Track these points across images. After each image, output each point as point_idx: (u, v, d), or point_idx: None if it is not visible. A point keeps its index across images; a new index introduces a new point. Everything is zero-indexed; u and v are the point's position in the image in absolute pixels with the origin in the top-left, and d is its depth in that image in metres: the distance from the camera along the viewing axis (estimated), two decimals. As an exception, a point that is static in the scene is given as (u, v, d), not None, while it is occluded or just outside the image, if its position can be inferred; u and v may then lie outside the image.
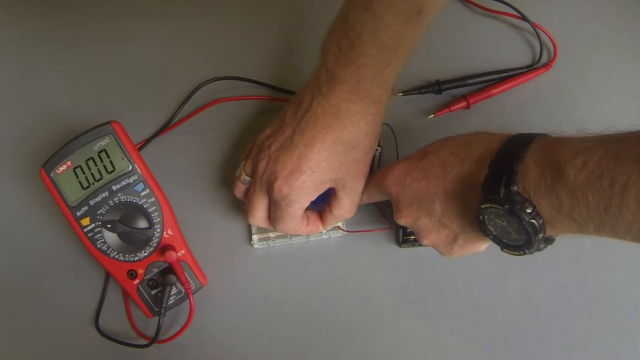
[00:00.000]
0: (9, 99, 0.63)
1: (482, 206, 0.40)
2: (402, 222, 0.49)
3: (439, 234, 0.48)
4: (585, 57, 0.64)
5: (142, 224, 0.53)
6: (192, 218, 0.59)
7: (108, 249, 0.53)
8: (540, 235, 0.40)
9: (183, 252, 0.55)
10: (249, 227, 0.59)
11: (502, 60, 0.64)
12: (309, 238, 0.58)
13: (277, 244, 0.59)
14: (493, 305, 0.57)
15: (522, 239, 0.41)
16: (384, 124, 0.59)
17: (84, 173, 0.51)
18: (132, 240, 0.53)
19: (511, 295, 0.57)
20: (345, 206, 0.53)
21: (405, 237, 0.56)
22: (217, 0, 0.67)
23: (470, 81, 0.62)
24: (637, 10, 0.65)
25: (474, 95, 0.62)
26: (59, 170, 0.51)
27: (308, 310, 0.57)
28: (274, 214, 0.52)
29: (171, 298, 0.55)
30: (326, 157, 0.48)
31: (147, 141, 0.61)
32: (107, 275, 0.58)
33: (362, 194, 0.54)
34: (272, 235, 0.58)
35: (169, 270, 0.54)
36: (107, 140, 0.52)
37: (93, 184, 0.51)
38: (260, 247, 0.58)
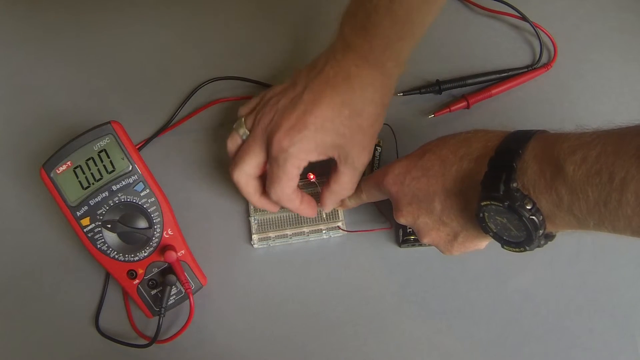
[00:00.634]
0: (9, 99, 0.64)
1: (482, 203, 0.40)
2: (402, 220, 0.49)
3: (439, 232, 0.48)
4: (585, 57, 0.64)
5: (142, 224, 0.53)
6: (192, 218, 0.59)
7: (108, 249, 0.53)
8: (541, 232, 0.39)
9: (183, 252, 0.55)
10: (249, 227, 0.59)
11: (502, 60, 0.64)
12: (308, 238, 0.58)
13: (277, 244, 0.59)
14: (493, 305, 0.57)
15: (523, 236, 0.41)
16: (384, 123, 0.59)
17: (84, 173, 0.51)
18: (132, 240, 0.53)
19: (511, 295, 0.57)
20: (345, 181, 0.52)
21: (405, 237, 0.56)
22: (217, 0, 0.67)
23: (470, 81, 0.62)
24: (637, 10, 0.65)
25: (474, 95, 0.62)
26: (59, 170, 0.51)
27: (308, 310, 0.57)
28: (270, 175, 0.51)
29: (171, 298, 0.55)
30: (331, 117, 0.48)
31: (147, 141, 0.61)
32: (107, 275, 0.58)
33: (362, 193, 0.54)
34: (272, 235, 0.58)
35: (169, 270, 0.55)
36: (107, 140, 0.52)
37: (93, 184, 0.52)
38: (260, 247, 0.58)
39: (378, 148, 0.59)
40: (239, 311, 0.57)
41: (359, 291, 0.58)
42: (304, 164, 0.50)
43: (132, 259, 0.53)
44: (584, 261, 0.58)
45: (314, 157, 0.50)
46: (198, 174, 0.61)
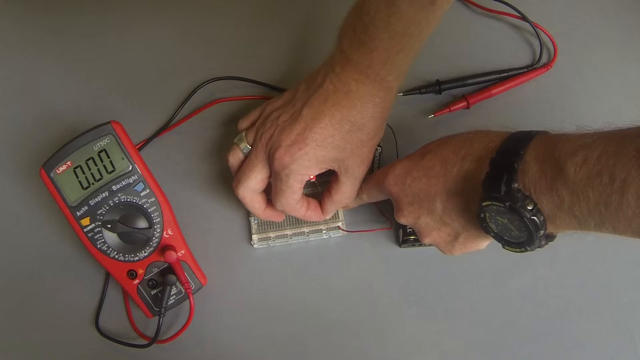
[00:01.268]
0: (9, 99, 0.64)
1: (483, 204, 0.40)
2: (403, 221, 0.49)
3: (440, 233, 0.48)
4: (585, 57, 0.64)
5: (142, 224, 0.53)
6: (192, 218, 0.59)
7: (108, 249, 0.53)
8: (542, 232, 0.40)
9: (183, 252, 0.55)
10: (249, 227, 0.59)
11: (502, 60, 0.64)
12: (308, 238, 0.58)
13: (277, 244, 0.59)
14: (493, 305, 0.57)
15: (524, 236, 0.41)
16: (384, 123, 0.59)
17: (84, 173, 0.51)
18: (132, 240, 0.53)
19: (511, 295, 0.57)
20: (345, 191, 0.53)
21: (405, 237, 0.56)
22: (217, 0, 0.67)
23: (470, 81, 0.62)
24: (637, 10, 0.65)
25: (474, 95, 0.62)
26: (59, 170, 0.51)
27: (308, 310, 0.57)
28: (274, 188, 0.52)
29: (171, 298, 0.55)
30: (332, 133, 0.48)
31: (147, 141, 0.61)
32: (107, 275, 0.58)
33: (363, 193, 0.54)
34: (272, 235, 0.58)
35: (169, 270, 0.55)
36: (107, 140, 0.52)
37: (93, 184, 0.52)
38: (260, 247, 0.58)
39: (378, 148, 0.59)
40: (239, 311, 0.57)
41: (359, 291, 0.58)
42: (306, 178, 0.51)
43: (132, 259, 0.53)
44: (583, 262, 0.58)
45: (316, 172, 0.51)
46: (198, 174, 0.61)
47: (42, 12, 0.66)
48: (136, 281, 0.54)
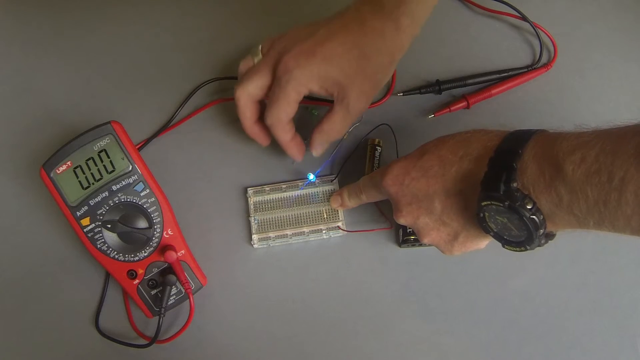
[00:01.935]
0: (9, 99, 0.64)
1: (483, 203, 0.40)
2: (402, 221, 0.49)
3: (440, 232, 0.48)
4: (585, 57, 0.64)
5: (142, 224, 0.53)
6: (192, 218, 0.59)
7: (108, 249, 0.53)
8: (541, 231, 0.40)
9: (183, 252, 0.55)
10: (249, 227, 0.59)
11: (502, 60, 0.64)
12: (308, 238, 0.58)
13: (277, 244, 0.59)
14: (493, 305, 0.57)
15: (523, 235, 0.41)
16: (384, 123, 0.59)
17: (84, 173, 0.51)
18: (132, 240, 0.53)
19: (511, 295, 0.57)
20: (336, 121, 0.53)
21: (405, 237, 0.56)
22: (217, 0, 0.67)
23: (470, 81, 0.62)
24: (637, 10, 0.65)
25: (474, 95, 0.62)
26: (59, 170, 0.51)
27: (308, 310, 0.57)
28: (270, 95, 0.52)
29: (171, 298, 0.55)
30: (340, 52, 0.50)
31: (147, 141, 0.61)
32: (107, 275, 0.58)
33: (362, 193, 0.54)
34: (272, 235, 0.58)
35: (169, 270, 0.55)
36: (107, 140, 0.52)
37: (93, 184, 0.52)
38: (260, 247, 0.58)
39: (378, 148, 0.59)
40: (239, 311, 0.57)
41: (359, 291, 0.58)
42: (305, 90, 0.51)
43: (132, 259, 0.53)
44: (584, 262, 0.58)
45: (315, 87, 0.51)
46: (198, 174, 0.61)
47: (42, 12, 0.67)
48: (136, 281, 0.54)
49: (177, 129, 0.62)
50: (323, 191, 0.59)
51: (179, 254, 0.54)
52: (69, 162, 0.51)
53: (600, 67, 0.64)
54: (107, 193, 0.52)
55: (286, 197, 0.59)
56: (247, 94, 0.53)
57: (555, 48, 0.64)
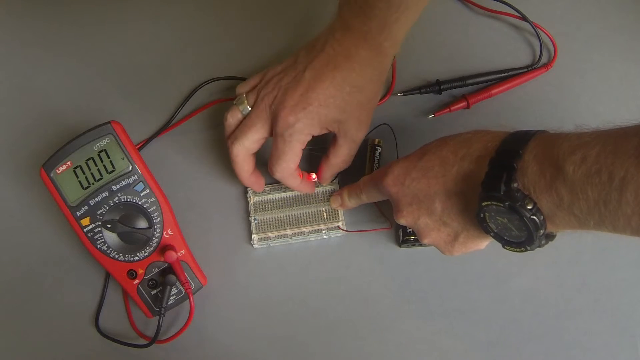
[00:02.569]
0: (9, 99, 0.64)
1: (483, 204, 0.40)
2: (402, 221, 0.49)
3: (440, 233, 0.48)
4: (585, 57, 0.64)
5: (142, 224, 0.53)
6: (192, 218, 0.59)
7: (108, 249, 0.53)
8: (542, 232, 0.39)
9: (183, 252, 0.55)
10: (249, 227, 0.59)
11: (502, 60, 0.64)
12: (308, 238, 0.58)
13: (277, 244, 0.59)
14: (493, 305, 0.57)
15: (524, 236, 0.41)
16: (384, 123, 0.59)
17: (84, 173, 0.51)
18: (132, 240, 0.53)
19: (511, 295, 0.57)
20: (343, 154, 0.55)
21: (405, 237, 0.56)
22: (218, 0, 0.67)
23: (470, 81, 0.62)
24: (637, 10, 0.65)
25: (474, 95, 0.62)
26: (59, 170, 0.51)
27: (308, 310, 0.57)
28: (275, 151, 0.53)
29: (171, 298, 0.55)
30: (333, 93, 0.50)
31: (147, 141, 0.61)
32: (107, 275, 0.58)
33: (362, 193, 0.54)
34: (272, 235, 0.58)
35: (169, 270, 0.55)
36: (107, 140, 0.52)
37: (93, 184, 0.52)
38: (260, 247, 0.58)
39: (378, 148, 0.59)
40: (239, 311, 0.57)
41: (359, 291, 0.58)
42: (308, 138, 0.52)
43: (132, 259, 0.53)
44: (584, 262, 0.58)
45: (317, 132, 0.52)
46: (198, 174, 0.61)
47: (42, 13, 0.67)
48: (136, 281, 0.54)
49: (177, 129, 0.62)
50: (323, 191, 0.59)
51: (179, 254, 0.54)
52: (69, 162, 0.51)
53: (600, 67, 0.64)
54: (107, 193, 0.52)
55: (286, 197, 0.59)
56: (245, 150, 0.54)
57: (555, 48, 0.64)
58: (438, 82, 0.62)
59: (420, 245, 0.57)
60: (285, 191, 0.59)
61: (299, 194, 0.59)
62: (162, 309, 0.54)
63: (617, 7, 0.66)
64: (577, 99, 0.63)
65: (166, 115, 0.62)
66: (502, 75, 0.63)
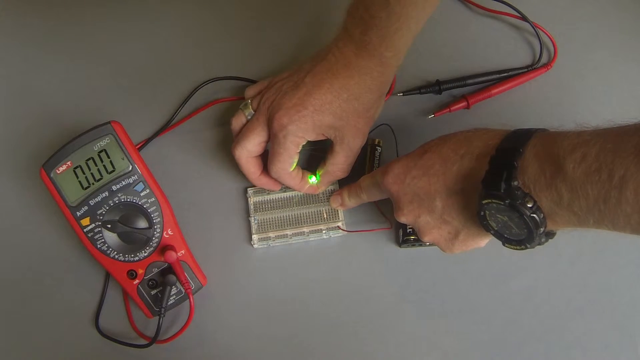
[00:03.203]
0: (9, 99, 0.64)
1: (483, 202, 0.41)
2: (402, 220, 0.49)
3: (441, 231, 0.48)
4: (585, 57, 0.64)
5: (142, 224, 0.53)
6: (192, 218, 0.59)
7: (108, 249, 0.53)
8: (542, 230, 0.40)
9: (183, 252, 0.55)
10: (249, 227, 0.59)
11: (502, 60, 0.64)
12: (308, 238, 0.58)
13: (277, 244, 0.59)
14: (493, 305, 0.57)
15: (524, 234, 0.41)
16: (384, 123, 0.59)
17: (84, 173, 0.51)
18: (132, 240, 0.53)
19: (511, 295, 0.57)
20: (339, 162, 0.55)
21: (405, 237, 0.56)
22: (218, 0, 0.67)
23: (470, 81, 0.62)
24: (637, 10, 0.65)
25: (474, 95, 0.62)
26: (59, 170, 0.51)
27: (308, 310, 0.57)
28: (271, 152, 0.54)
29: (171, 298, 0.55)
30: (330, 99, 0.51)
31: (147, 141, 0.61)
32: (107, 275, 0.58)
33: (362, 193, 0.54)
34: (272, 235, 0.58)
35: (169, 270, 0.55)
36: (107, 140, 0.52)
37: (93, 184, 0.52)
38: (260, 247, 0.58)
39: (378, 148, 0.59)
40: (239, 311, 0.57)
41: (359, 291, 0.58)
42: (303, 141, 0.53)
43: (132, 259, 0.53)
44: (584, 262, 0.58)
45: (312, 137, 0.53)
46: (198, 174, 0.61)
47: (42, 12, 0.67)
48: (136, 281, 0.54)
49: (177, 129, 0.62)
50: (323, 191, 0.59)
51: (179, 254, 0.54)
52: (69, 162, 0.51)
53: (600, 67, 0.64)
54: (107, 193, 0.52)
55: (286, 197, 0.59)
56: (247, 152, 0.55)
57: (555, 48, 0.64)
58: (438, 82, 0.62)
59: (421, 245, 0.57)
60: (285, 191, 0.59)
61: (298, 193, 0.59)
62: (162, 309, 0.54)
63: (616, 7, 0.66)
64: (577, 99, 0.63)
65: (166, 115, 0.62)
66: (502, 75, 0.63)
